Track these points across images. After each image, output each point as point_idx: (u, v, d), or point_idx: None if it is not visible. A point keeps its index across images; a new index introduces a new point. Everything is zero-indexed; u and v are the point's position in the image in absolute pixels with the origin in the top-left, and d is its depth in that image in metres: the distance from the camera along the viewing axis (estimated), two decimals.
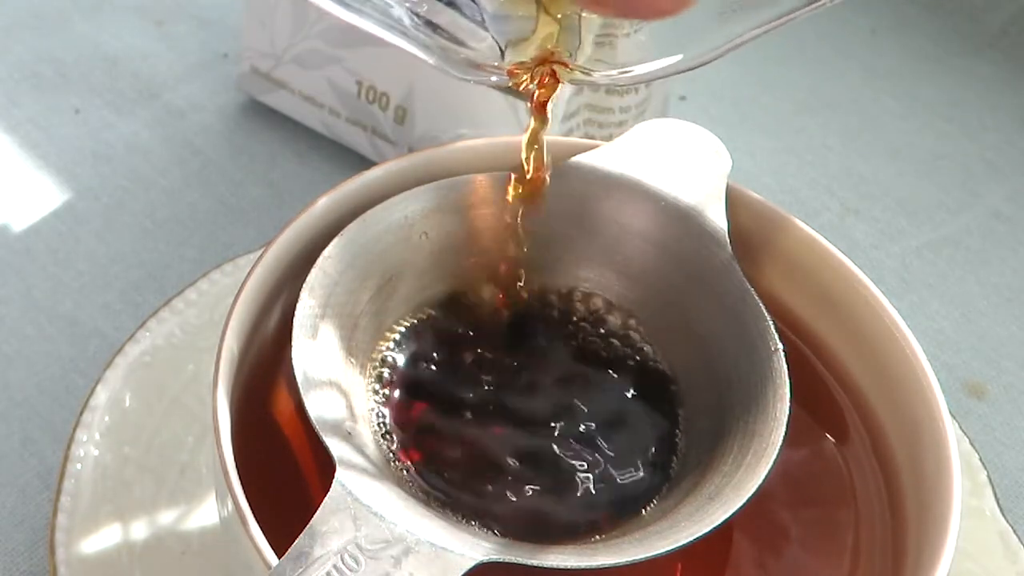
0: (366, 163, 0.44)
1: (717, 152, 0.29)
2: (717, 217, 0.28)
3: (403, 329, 0.28)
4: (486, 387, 0.27)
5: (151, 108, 0.47)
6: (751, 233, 0.29)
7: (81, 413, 0.32)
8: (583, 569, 0.22)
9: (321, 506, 0.21)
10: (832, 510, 0.27)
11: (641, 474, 0.26)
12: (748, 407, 0.25)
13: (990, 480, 0.34)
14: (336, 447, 0.23)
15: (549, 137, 0.28)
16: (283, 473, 0.27)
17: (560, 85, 0.27)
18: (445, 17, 0.25)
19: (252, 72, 0.46)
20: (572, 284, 0.29)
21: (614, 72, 0.26)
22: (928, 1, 0.57)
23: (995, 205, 0.48)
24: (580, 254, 0.29)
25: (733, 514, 0.23)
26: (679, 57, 0.24)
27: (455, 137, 0.41)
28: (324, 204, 0.27)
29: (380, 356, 0.27)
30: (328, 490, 0.22)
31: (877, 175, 0.49)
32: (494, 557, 0.22)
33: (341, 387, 0.25)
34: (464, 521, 0.24)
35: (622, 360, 0.28)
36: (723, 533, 0.24)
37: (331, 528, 0.21)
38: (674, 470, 0.26)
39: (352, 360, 0.26)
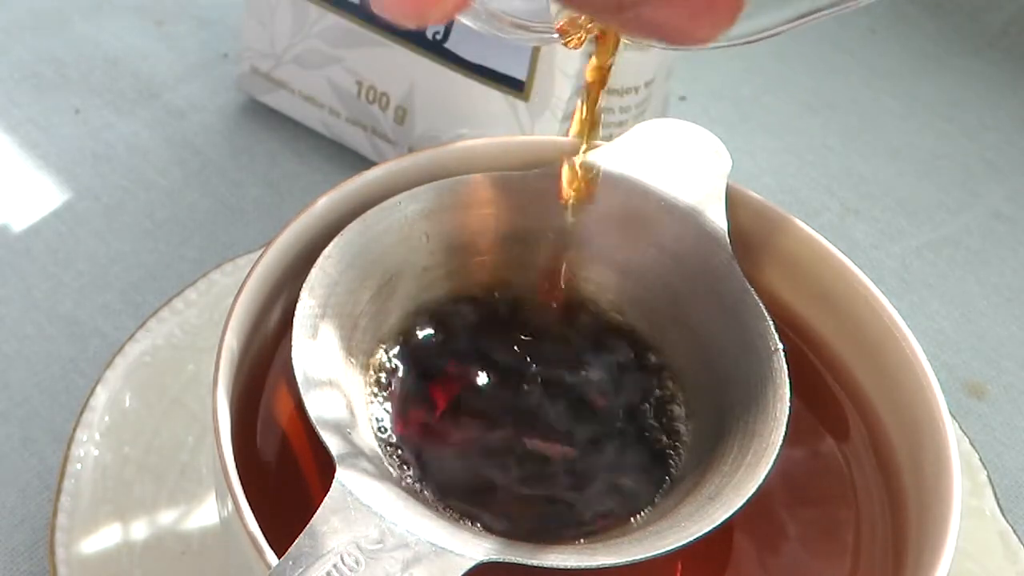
0: (366, 163, 0.44)
1: (717, 152, 0.29)
2: (717, 217, 0.28)
3: (403, 329, 0.28)
4: (486, 386, 0.27)
5: (151, 108, 0.47)
6: (751, 233, 0.29)
7: (81, 413, 0.32)
8: (583, 569, 0.22)
9: (321, 506, 0.21)
10: (833, 510, 0.27)
11: (641, 474, 0.26)
12: (748, 407, 0.25)
13: (990, 480, 0.34)
14: (336, 447, 0.23)
15: (549, 137, 0.28)
16: (283, 473, 0.27)
17: (620, 43, 0.25)
18: None
19: (252, 72, 0.46)
20: (572, 284, 0.29)
21: None
22: (928, 1, 0.57)
23: (995, 205, 0.48)
24: (580, 254, 0.29)
25: (733, 514, 0.23)
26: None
27: (455, 137, 0.41)
28: (324, 204, 0.27)
29: (380, 356, 0.27)
30: (328, 490, 0.22)
31: (877, 175, 0.49)
32: (494, 557, 0.22)
33: (341, 387, 0.25)
34: (464, 521, 0.24)
35: (622, 360, 0.28)
36: (723, 533, 0.24)
37: (331, 528, 0.21)
38: (674, 470, 0.26)
39: (352, 360, 0.26)
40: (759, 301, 0.26)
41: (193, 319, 0.35)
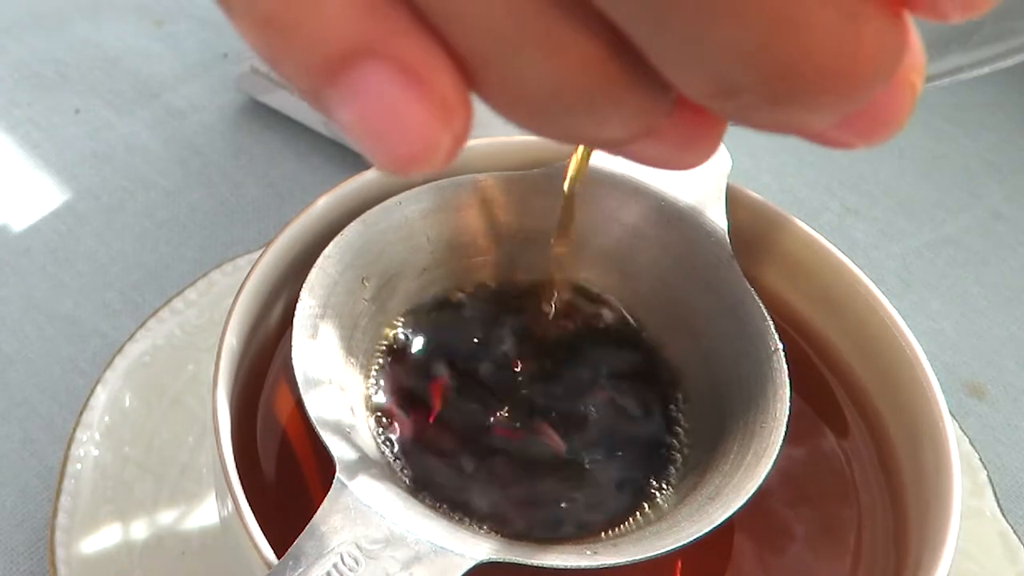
0: (366, 163, 0.44)
1: (717, 152, 0.29)
2: (717, 217, 0.28)
3: (403, 329, 0.28)
4: (486, 386, 0.27)
5: (151, 108, 0.47)
6: (751, 233, 0.29)
7: (81, 413, 0.32)
8: (583, 569, 0.22)
9: (321, 506, 0.21)
10: (833, 509, 0.27)
11: (641, 474, 0.26)
12: (748, 407, 0.25)
13: (990, 480, 0.34)
14: (336, 447, 0.23)
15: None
16: (283, 473, 0.27)
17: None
18: None
19: (252, 72, 0.46)
20: (572, 284, 0.29)
21: None
22: None
23: (995, 205, 0.48)
24: (580, 254, 0.29)
25: (733, 514, 0.23)
26: None
27: None
28: (324, 204, 0.27)
29: (380, 356, 0.27)
30: (328, 490, 0.22)
31: (877, 175, 0.49)
32: (494, 557, 0.22)
33: (341, 387, 0.25)
34: (464, 521, 0.24)
35: (622, 360, 0.28)
36: (724, 533, 0.24)
37: (331, 528, 0.21)
38: (674, 470, 0.26)
39: (352, 360, 0.26)
40: (759, 301, 0.26)
41: (193, 319, 0.35)
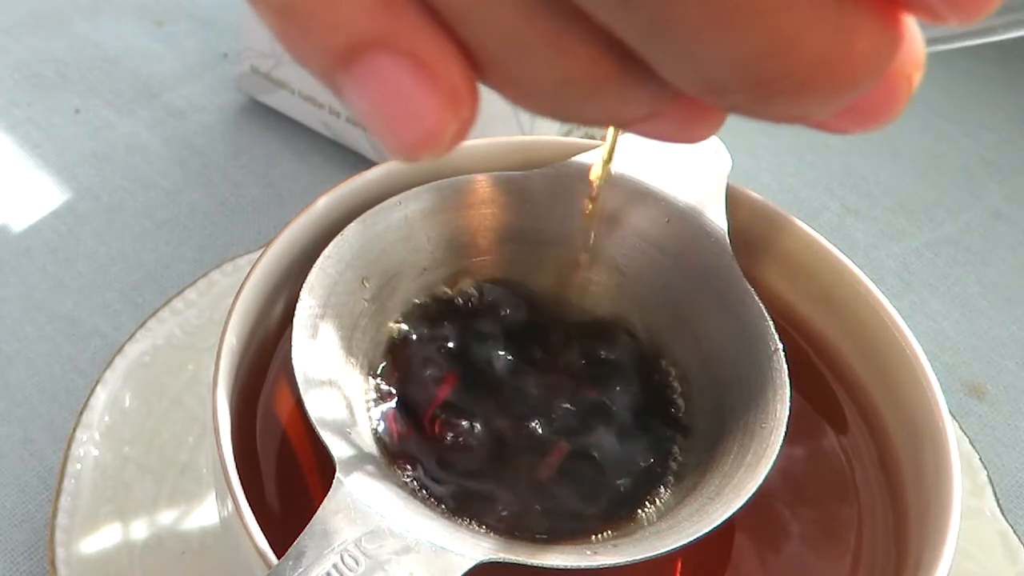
0: (366, 163, 0.44)
1: (717, 152, 0.29)
2: (717, 217, 0.28)
3: (403, 329, 0.28)
4: (486, 387, 0.27)
5: (151, 108, 0.47)
6: (751, 233, 0.29)
7: (81, 413, 0.32)
8: (583, 569, 0.22)
9: (321, 506, 0.21)
10: (834, 509, 0.27)
11: (641, 474, 0.26)
12: (748, 407, 0.25)
13: (990, 480, 0.34)
14: (336, 447, 0.23)
15: (548, 137, 0.28)
16: (283, 473, 0.27)
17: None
18: None
19: (252, 72, 0.46)
20: (572, 284, 0.29)
21: None
22: None
23: (995, 205, 0.48)
24: (580, 254, 0.29)
25: (733, 514, 0.23)
26: None
27: None
28: (324, 204, 0.27)
29: (380, 356, 0.27)
30: (328, 490, 0.22)
31: (877, 175, 0.49)
32: (494, 557, 0.22)
33: (341, 387, 0.25)
34: (464, 521, 0.24)
35: (621, 360, 0.28)
36: (724, 532, 0.24)
37: (331, 528, 0.21)
38: (674, 470, 0.26)
39: (352, 360, 0.26)
40: (759, 301, 0.26)
41: (193, 319, 0.35)
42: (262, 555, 0.22)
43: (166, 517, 0.31)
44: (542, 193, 0.28)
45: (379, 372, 0.27)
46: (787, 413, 0.24)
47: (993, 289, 0.44)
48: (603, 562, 0.22)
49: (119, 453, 0.32)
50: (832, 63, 0.12)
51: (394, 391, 0.27)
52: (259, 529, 0.22)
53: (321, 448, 0.23)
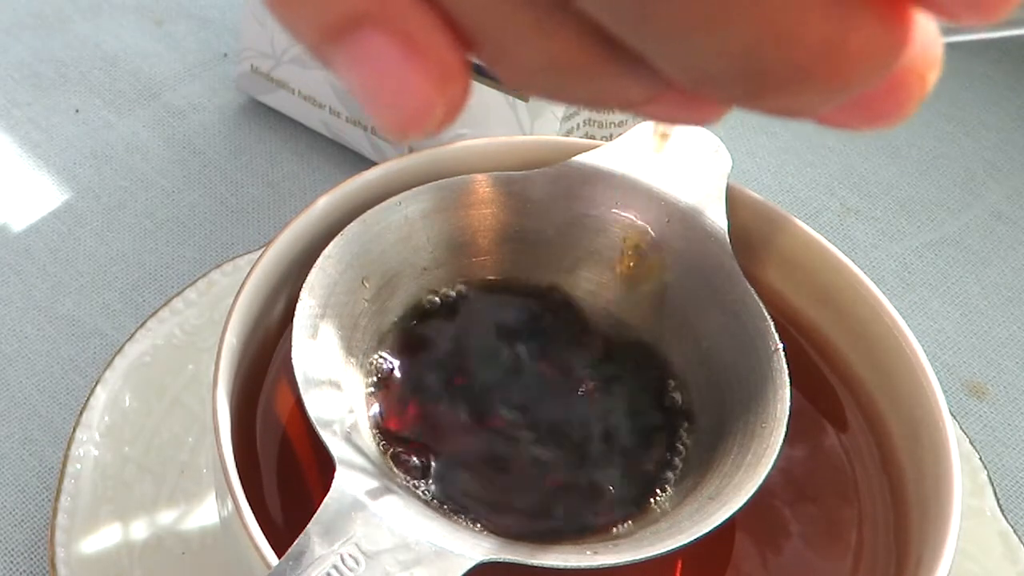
0: (366, 163, 0.44)
1: (717, 152, 0.29)
2: (717, 217, 0.28)
3: (403, 329, 0.28)
4: (486, 386, 0.27)
5: (151, 108, 0.47)
6: (751, 233, 0.29)
7: (81, 413, 0.32)
8: (583, 569, 0.22)
9: (321, 506, 0.21)
10: (835, 509, 0.27)
11: (641, 474, 0.26)
12: (748, 407, 0.25)
13: (990, 480, 0.34)
14: (336, 447, 0.23)
15: (548, 137, 0.28)
16: (283, 473, 0.27)
17: None
18: None
19: (252, 72, 0.46)
20: (572, 284, 0.29)
21: None
22: None
23: (995, 205, 0.48)
24: (580, 254, 0.29)
25: (733, 514, 0.23)
26: None
27: (455, 137, 0.41)
28: (324, 204, 0.27)
29: (380, 356, 0.27)
30: (328, 490, 0.22)
31: (877, 175, 0.49)
32: (494, 557, 0.22)
33: (341, 387, 0.25)
34: (464, 521, 0.24)
35: (621, 360, 0.28)
36: (725, 532, 0.24)
37: (331, 528, 0.21)
38: (674, 470, 0.26)
39: (352, 360, 0.26)
40: (759, 301, 0.26)
41: (193, 319, 0.35)
42: (262, 555, 0.22)
43: (166, 517, 0.31)
44: (542, 193, 0.28)
45: (379, 372, 0.27)
46: (787, 413, 0.24)
47: (993, 289, 0.44)
48: (603, 562, 0.22)
49: (119, 453, 0.32)
50: (826, 57, 0.12)
51: (394, 391, 0.27)
52: (259, 529, 0.22)
53: (321, 448, 0.23)
